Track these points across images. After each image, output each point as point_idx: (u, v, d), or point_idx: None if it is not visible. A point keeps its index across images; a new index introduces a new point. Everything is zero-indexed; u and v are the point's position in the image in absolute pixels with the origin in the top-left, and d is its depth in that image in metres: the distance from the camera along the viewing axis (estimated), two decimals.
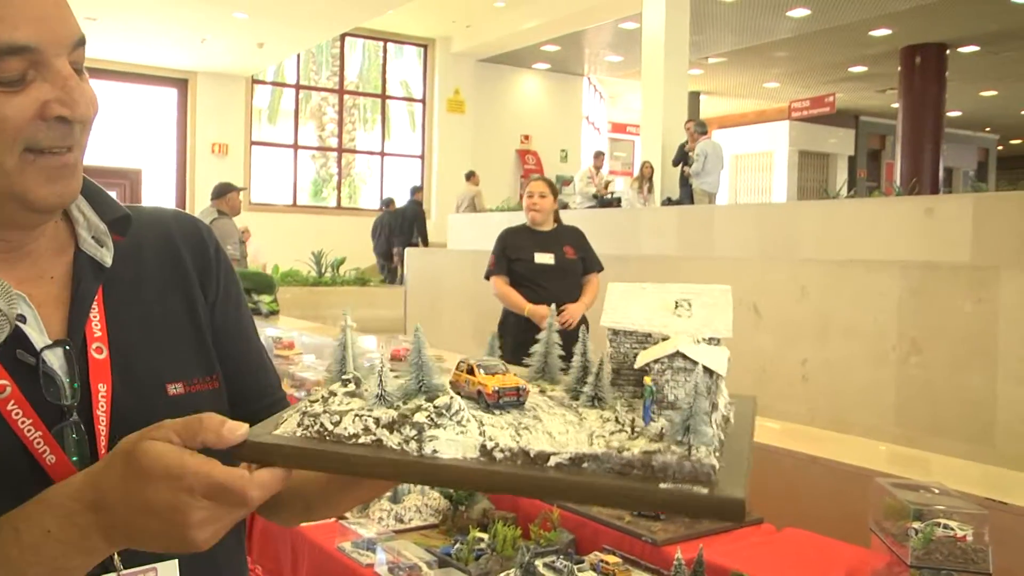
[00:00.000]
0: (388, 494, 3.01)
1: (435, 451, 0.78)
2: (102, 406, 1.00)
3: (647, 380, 0.81)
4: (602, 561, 2.34)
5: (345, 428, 0.80)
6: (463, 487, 0.82)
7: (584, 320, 5.03)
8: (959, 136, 23.14)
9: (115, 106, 15.77)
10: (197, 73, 16.35)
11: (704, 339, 0.87)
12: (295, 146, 18.08)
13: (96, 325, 1.04)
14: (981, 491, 2.30)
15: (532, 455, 0.77)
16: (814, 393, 5.77)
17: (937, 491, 1.98)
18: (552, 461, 0.76)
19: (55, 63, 0.92)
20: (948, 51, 16.43)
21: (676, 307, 0.93)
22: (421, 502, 2.96)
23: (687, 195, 12.48)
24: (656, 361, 0.83)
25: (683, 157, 12.82)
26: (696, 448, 0.73)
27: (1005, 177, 24.39)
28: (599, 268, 5.35)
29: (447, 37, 18.37)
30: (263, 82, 17.76)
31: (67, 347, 1.00)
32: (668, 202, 12.56)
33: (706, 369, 0.80)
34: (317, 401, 0.84)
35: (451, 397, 0.82)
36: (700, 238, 8.90)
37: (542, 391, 0.91)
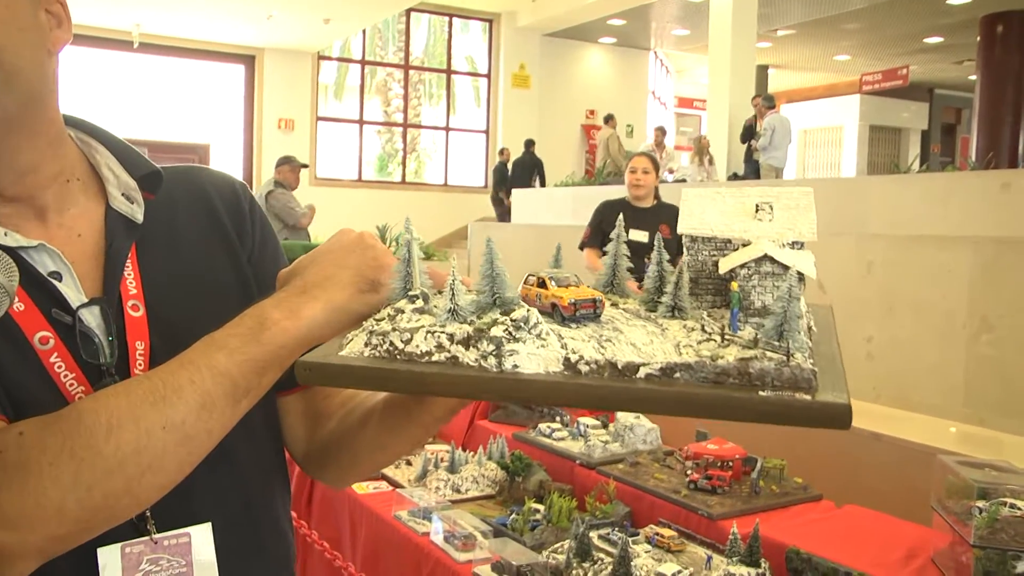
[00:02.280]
0: (445, 464, 3.03)
1: (516, 366, 0.73)
2: (140, 364, 0.99)
3: (734, 286, 0.77)
4: (657, 534, 2.32)
5: (417, 346, 0.76)
6: (548, 402, 0.78)
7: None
8: None
9: (184, 82, 16.08)
10: (264, 49, 16.52)
11: (788, 243, 0.83)
12: (360, 121, 18.18)
13: (131, 283, 1.02)
14: None
15: (620, 367, 0.73)
16: (879, 371, 5.64)
17: (1003, 469, 1.92)
18: (642, 372, 0.72)
19: None
20: None
21: (757, 211, 0.88)
22: (478, 472, 2.98)
23: (752, 170, 12.25)
24: (743, 266, 0.80)
25: (750, 133, 12.58)
26: (793, 353, 0.70)
27: None
28: None
29: (512, 12, 18.24)
30: (329, 58, 17.87)
31: (103, 305, 0.98)
32: (734, 177, 12.36)
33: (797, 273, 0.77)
34: (384, 319, 0.80)
35: (528, 310, 0.77)
36: None
37: (614, 304, 0.86)
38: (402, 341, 0.76)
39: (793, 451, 2.74)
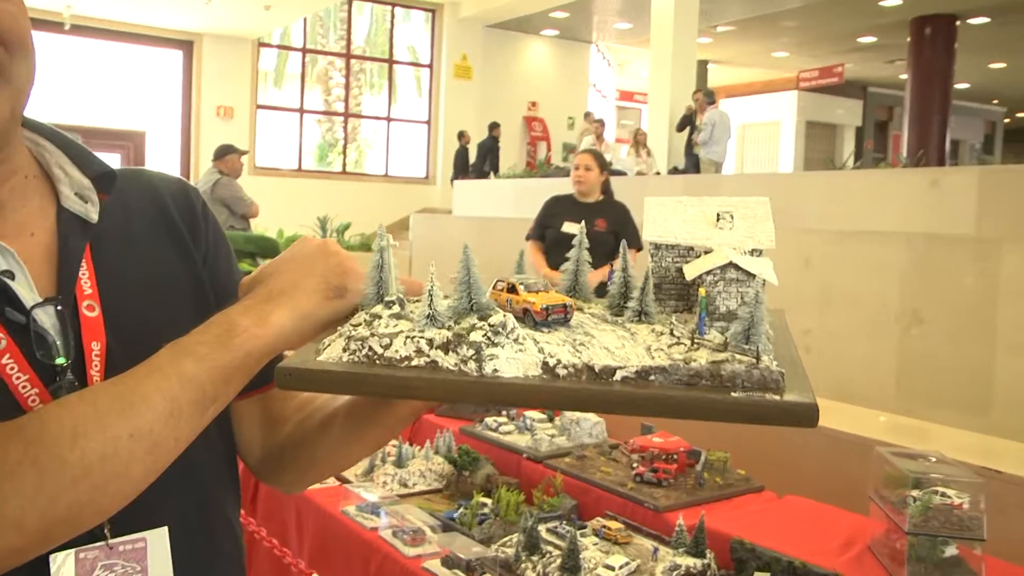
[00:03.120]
0: (392, 459, 3.03)
1: (496, 370, 0.75)
2: (96, 365, 0.97)
3: (701, 291, 0.81)
4: (604, 527, 2.36)
5: (396, 351, 0.77)
6: (528, 405, 0.79)
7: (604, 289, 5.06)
8: (966, 108, 22.94)
9: (119, 67, 15.69)
10: (203, 35, 16.22)
11: (748, 251, 0.87)
12: (301, 110, 17.98)
13: (86, 283, 1.00)
14: (977, 460, 2.32)
15: (597, 370, 0.75)
16: (816, 363, 5.77)
17: (935, 460, 2.00)
18: (618, 375, 0.75)
19: None
20: (958, 22, 16.24)
21: (718, 220, 0.92)
22: (425, 467, 2.99)
23: (692, 164, 12.41)
24: (708, 273, 0.83)
25: (687, 123, 12.75)
26: (762, 356, 0.73)
27: (1012, 150, 24.25)
28: (636, 245, 5.22)
29: (455, 2, 18.20)
30: (269, 45, 17.62)
31: (58, 305, 0.96)
32: (675, 171, 12.51)
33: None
34: (360, 325, 0.81)
35: (505, 315, 0.79)
36: None
37: (579, 309, 0.89)
38: (381, 346, 0.77)
39: (735, 444, 2.80)
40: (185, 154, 16.54)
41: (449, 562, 2.28)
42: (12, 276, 0.96)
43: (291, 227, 12.97)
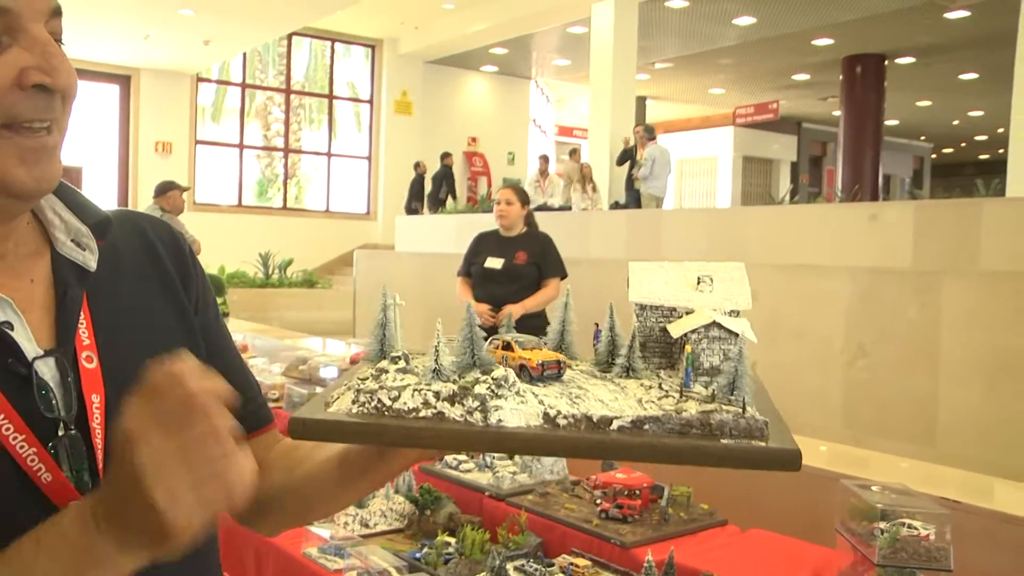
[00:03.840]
0: None
1: (500, 420, 0.80)
2: (97, 418, 0.94)
3: (688, 348, 0.88)
4: (572, 564, 2.35)
5: (404, 403, 0.81)
6: (532, 452, 0.89)
7: (543, 320, 5.17)
8: (896, 144, 23.75)
9: None
10: (140, 70, 16.05)
11: (727, 311, 0.95)
12: (240, 145, 17.84)
13: (84, 333, 0.97)
14: (921, 488, 2.38)
15: (595, 420, 0.80)
16: None
17: (900, 492, 2.05)
18: (615, 424, 0.80)
19: (31, 28, 0.87)
20: (887, 62, 16.86)
21: (699, 283, 0.99)
22: (386, 506, 2.95)
23: (633, 199, 12.58)
24: (693, 331, 0.91)
25: (627, 157, 12.94)
26: (748, 406, 0.80)
27: (939, 184, 25.09)
28: (558, 274, 5.45)
29: (395, 38, 18.29)
30: (208, 80, 17.49)
31: (59, 357, 0.93)
32: (616, 206, 12.66)
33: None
34: (368, 378, 0.84)
35: (506, 370, 0.84)
36: (648, 242, 8.99)
37: (569, 366, 0.93)
38: (390, 399, 0.81)
39: (696, 479, 2.82)
40: (123, 190, 16.27)
41: None
42: (11, 327, 0.93)
43: (233, 263, 12.83)
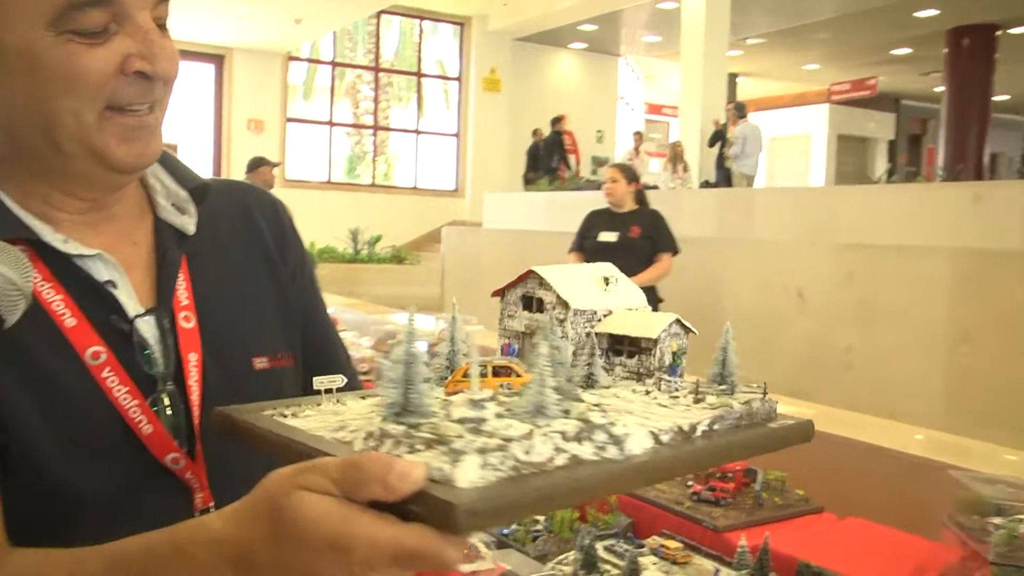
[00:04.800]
0: None
1: (631, 449, 0.71)
2: (194, 376, 0.99)
3: (674, 346, 0.91)
4: (662, 546, 2.31)
5: (540, 453, 0.66)
6: (663, 479, 0.83)
7: (654, 297, 5.36)
8: (1005, 121, 22.69)
9: None
10: (234, 49, 16.38)
11: (632, 308, 0.98)
12: (330, 123, 18.09)
13: (183, 294, 1.02)
14: None
15: (685, 429, 0.77)
16: (858, 380, 5.71)
17: (1017, 486, 1.94)
18: (698, 431, 0.77)
19: (137, 16, 0.90)
20: (998, 32, 16.05)
21: (606, 283, 0.98)
22: None
23: (723, 178, 12.37)
24: (664, 331, 0.92)
25: (718, 138, 12.70)
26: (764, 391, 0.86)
27: None
28: (671, 249, 5.70)
29: (484, 15, 18.25)
30: (299, 59, 17.76)
31: (158, 316, 0.99)
32: (706, 185, 12.46)
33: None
34: (462, 435, 0.66)
35: (594, 396, 0.78)
36: (739, 221, 8.81)
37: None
38: (523, 452, 0.65)
39: (789, 464, 2.75)
40: (216, 166, 16.68)
41: None
42: (115, 286, 0.98)
43: (322, 239, 13.06)
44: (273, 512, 0.65)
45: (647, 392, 0.86)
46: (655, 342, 0.89)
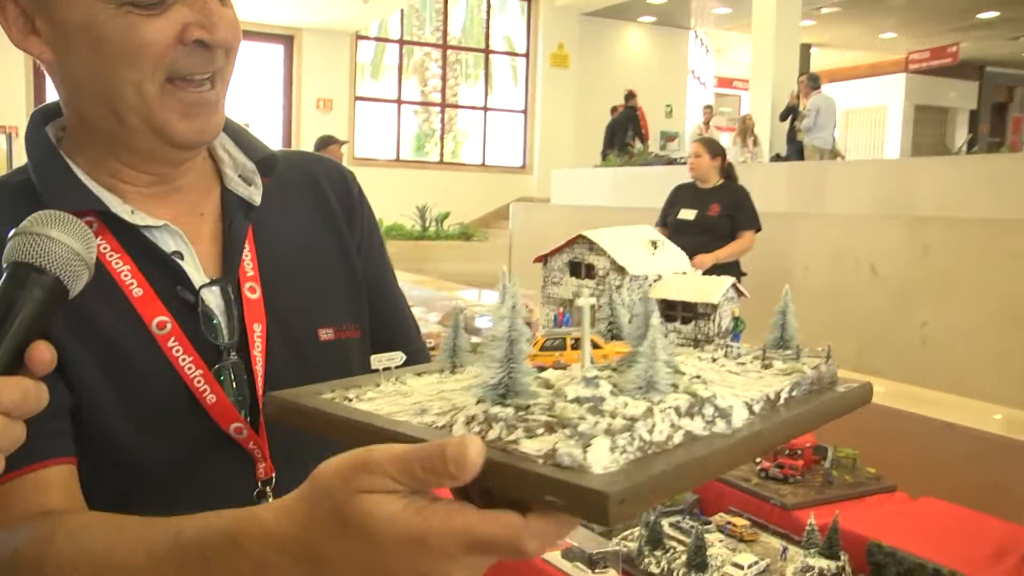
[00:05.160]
0: None
1: (735, 423, 0.67)
2: (258, 346, 1.00)
3: (735, 311, 0.90)
4: (729, 523, 2.28)
5: (660, 432, 0.62)
6: (763, 453, 0.79)
7: (737, 271, 5.37)
8: None
9: None
10: (303, 29, 16.54)
11: (679, 271, 0.96)
12: (398, 101, 18.17)
13: (248, 264, 1.03)
14: None
15: (771, 397, 0.72)
16: (933, 357, 5.55)
17: None
18: (781, 398, 0.74)
19: None
20: None
21: (654, 247, 0.97)
22: None
23: (796, 151, 12.10)
24: (723, 296, 0.90)
25: (790, 112, 12.42)
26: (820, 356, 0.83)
27: None
28: (752, 226, 5.65)
29: None
30: (367, 38, 17.86)
31: (224, 286, 0.99)
32: (777, 159, 12.21)
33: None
34: (584, 416, 0.61)
35: (692, 367, 0.73)
36: (812, 195, 8.62)
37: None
38: (647, 431, 0.61)
39: (860, 441, 2.69)
40: (287, 145, 16.91)
41: (570, 554, 2.24)
42: (181, 257, 0.99)
43: (391, 216, 13.17)
44: (338, 519, 0.62)
45: (713, 360, 0.83)
46: (715, 307, 0.86)
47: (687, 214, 5.71)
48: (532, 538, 0.59)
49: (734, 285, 0.90)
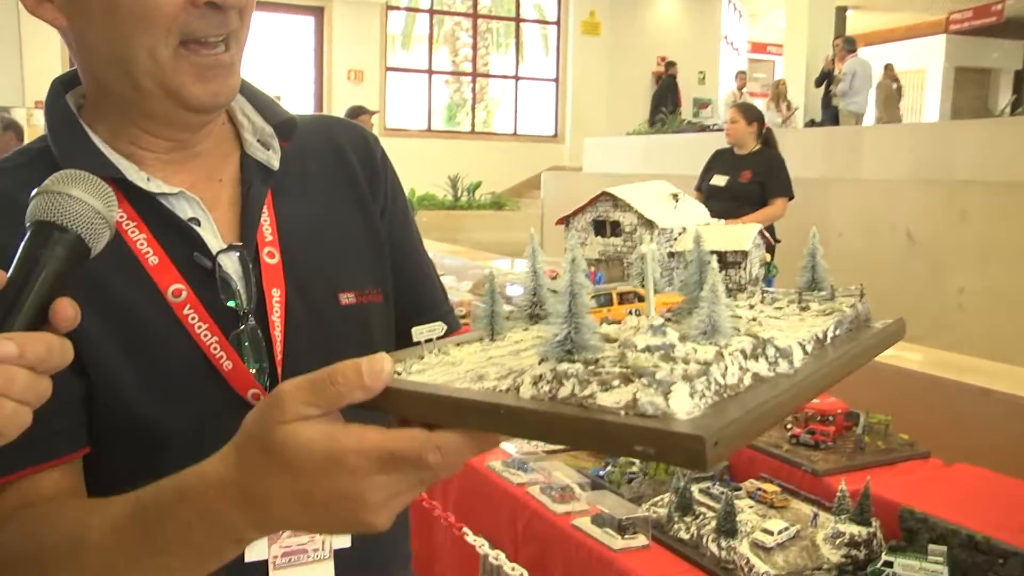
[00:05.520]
0: None
1: (796, 363, 0.66)
2: (276, 311, 0.99)
3: (766, 256, 0.90)
4: (760, 489, 2.27)
5: (732, 375, 0.62)
6: (821, 392, 0.72)
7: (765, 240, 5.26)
8: None
9: (254, 35, 16.09)
10: (333, 1, 16.51)
11: (702, 223, 0.96)
12: (429, 71, 18.10)
13: (267, 229, 1.02)
14: None
15: (820, 337, 0.71)
16: (970, 323, 5.46)
17: None
18: (828, 338, 0.73)
19: None
20: None
21: (675, 200, 0.98)
22: None
23: (830, 116, 11.92)
24: (751, 243, 0.91)
25: (826, 77, 12.22)
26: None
27: None
28: (784, 194, 5.61)
29: None
30: (397, 8, 17.78)
31: (242, 252, 0.99)
32: (811, 124, 12.04)
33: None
34: (657, 364, 0.61)
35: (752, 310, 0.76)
36: (847, 161, 8.49)
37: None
38: (721, 375, 0.61)
39: (894, 406, 2.66)
40: None
41: (599, 520, 2.24)
42: (198, 223, 0.99)
43: (423, 186, 13.18)
44: (263, 455, 0.66)
45: (750, 307, 0.82)
46: (745, 255, 0.85)
47: (719, 180, 5.71)
48: (434, 450, 0.62)
49: (761, 232, 0.89)
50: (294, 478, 0.65)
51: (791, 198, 5.58)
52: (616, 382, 0.59)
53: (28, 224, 0.74)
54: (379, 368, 0.64)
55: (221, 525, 0.71)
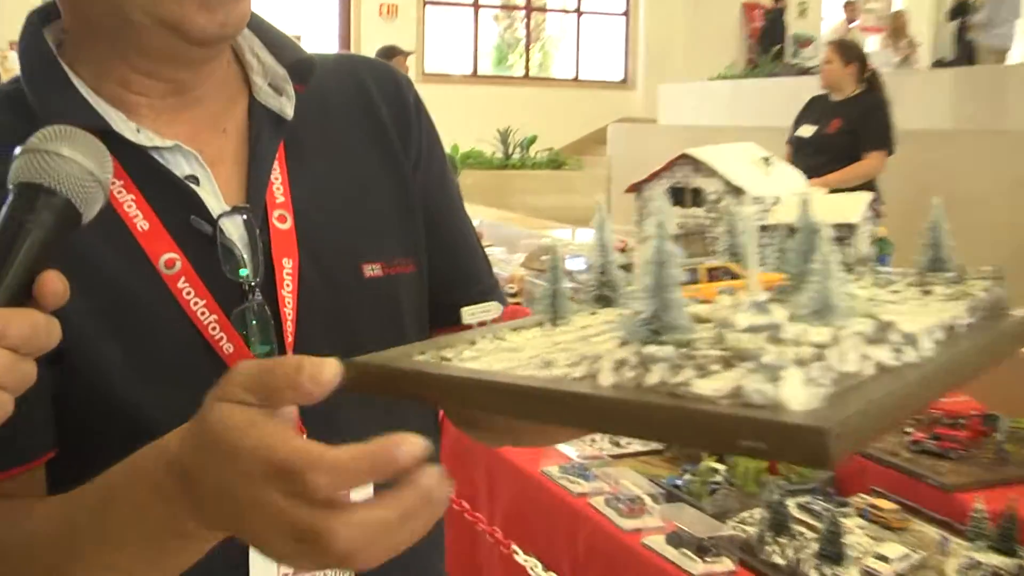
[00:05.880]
0: None
1: (924, 351, 0.65)
2: (288, 285, 0.99)
3: (882, 229, 0.86)
4: (872, 506, 2.27)
5: (851, 361, 0.61)
6: (958, 386, 0.72)
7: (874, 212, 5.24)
8: None
9: None
10: None
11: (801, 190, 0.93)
12: (475, 5, 18.15)
13: (278, 189, 1.02)
14: None
15: (949, 325, 0.70)
16: None
17: None
18: (960, 327, 0.71)
19: None
20: None
21: (767, 164, 0.95)
22: None
23: (964, 54, 11.71)
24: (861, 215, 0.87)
25: (962, 9, 12.00)
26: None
27: None
28: (880, 146, 5.49)
29: None
30: None
31: (248, 215, 0.99)
32: (940, 64, 11.83)
33: None
34: (773, 343, 0.61)
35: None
36: (984, 108, 8.34)
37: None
38: (838, 360, 0.61)
39: None
40: None
41: (675, 539, 2.23)
42: (196, 181, 0.99)
43: (468, 141, 13.22)
44: (199, 428, 0.70)
45: (861, 288, 0.81)
46: (852, 228, 0.83)
47: (805, 131, 5.65)
48: (324, 472, 0.61)
49: (871, 203, 0.88)
50: (218, 463, 0.67)
51: (890, 152, 5.47)
52: (715, 367, 0.58)
53: (11, 187, 0.75)
54: (320, 372, 0.65)
55: (168, 507, 0.73)
